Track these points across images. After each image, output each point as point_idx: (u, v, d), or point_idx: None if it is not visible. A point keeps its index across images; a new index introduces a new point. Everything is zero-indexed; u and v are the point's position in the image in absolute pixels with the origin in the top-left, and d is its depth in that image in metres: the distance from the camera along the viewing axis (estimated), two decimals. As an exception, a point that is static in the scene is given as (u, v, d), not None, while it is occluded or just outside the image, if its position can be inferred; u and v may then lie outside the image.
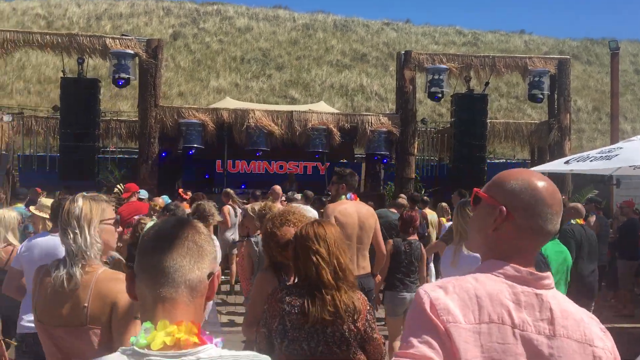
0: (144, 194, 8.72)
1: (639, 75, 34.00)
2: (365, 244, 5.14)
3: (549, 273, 1.48)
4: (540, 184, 1.49)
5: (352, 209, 5.05)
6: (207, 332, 1.26)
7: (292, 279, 2.69)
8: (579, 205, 6.71)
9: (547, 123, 14.44)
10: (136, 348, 1.19)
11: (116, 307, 2.13)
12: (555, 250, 4.62)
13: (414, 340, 1.35)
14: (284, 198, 11.06)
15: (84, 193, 2.44)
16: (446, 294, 1.41)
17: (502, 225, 1.46)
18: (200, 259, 1.30)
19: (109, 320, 2.14)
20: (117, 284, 2.15)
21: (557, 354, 1.38)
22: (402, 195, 11.25)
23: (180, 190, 10.82)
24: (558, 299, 1.46)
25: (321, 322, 2.40)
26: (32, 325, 3.80)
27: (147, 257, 1.29)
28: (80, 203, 2.30)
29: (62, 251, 3.85)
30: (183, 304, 1.25)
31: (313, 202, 10.07)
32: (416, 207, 9.04)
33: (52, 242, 4.01)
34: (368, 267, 5.23)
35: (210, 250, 1.33)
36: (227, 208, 9.73)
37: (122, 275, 2.21)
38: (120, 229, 3.18)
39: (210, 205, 5.03)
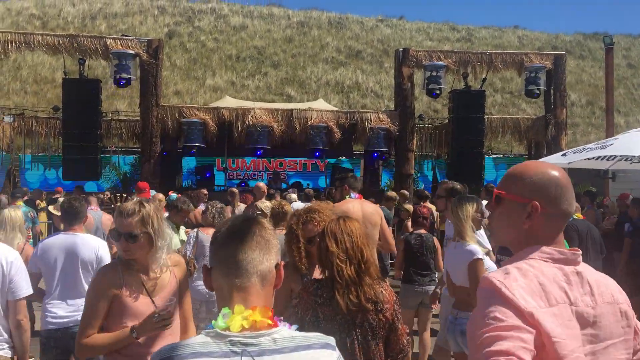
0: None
1: (631, 69, 34.26)
2: (373, 242, 5.30)
3: (577, 248, 1.65)
4: (556, 172, 1.65)
5: (356, 208, 5.21)
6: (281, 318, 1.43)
7: (319, 272, 2.77)
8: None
9: (544, 118, 14.64)
10: (218, 330, 1.35)
11: None
12: None
13: (504, 334, 1.37)
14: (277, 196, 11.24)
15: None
16: (516, 281, 1.49)
17: (533, 218, 1.60)
18: (268, 251, 1.46)
19: None
20: None
21: (599, 321, 1.55)
22: (392, 191, 11.45)
23: (171, 191, 10.98)
24: (589, 271, 1.62)
25: (348, 313, 2.50)
26: (58, 321, 3.96)
27: (222, 251, 1.46)
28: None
29: (82, 250, 4.01)
30: (255, 291, 1.42)
31: (315, 199, 10.26)
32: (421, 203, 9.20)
33: (71, 241, 4.11)
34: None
35: (275, 243, 1.50)
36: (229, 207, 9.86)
37: None
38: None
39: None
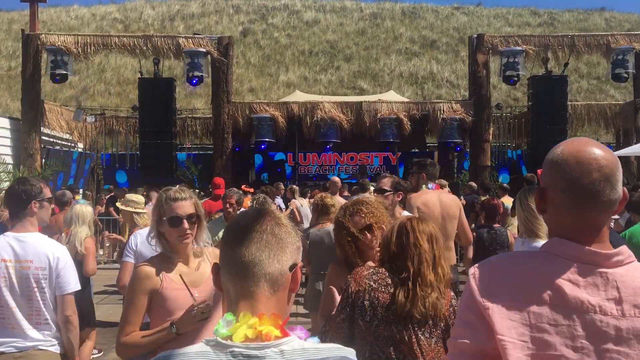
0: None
1: None
2: (450, 235, 4.96)
3: (620, 249, 1.34)
4: (575, 148, 1.38)
5: (434, 199, 4.91)
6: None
7: (377, 265, 2.63)
8: None
9: (633, 103, 13.63)
10: (219, 339, 1.20)
11: None
12: None
13: (458, 323, 1.39)
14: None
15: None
16: (492, 272, 1.37)
17: (545, 206, 1.40)
18: (281, 251, 1.28)
19: None
20: None
21: (627, 336, 1.27)
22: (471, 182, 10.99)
23: (244, 186, 11.07)
24: (632, 275, 1.32)
25: (409, 315, 2.37)
26: None
27: (227, 251, 1.29)
28: None
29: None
30: (264, 297, 1.24)
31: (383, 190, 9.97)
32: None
33: None
34: (453, 259, 5.10)
35: (291, 242, 1.31)
36: (294, 203, 9.84)
37: None
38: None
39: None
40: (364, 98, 16.10)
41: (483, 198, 8.73)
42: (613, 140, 15.60)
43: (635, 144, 12.34)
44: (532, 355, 1.27)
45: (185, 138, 15.63)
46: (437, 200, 4.88)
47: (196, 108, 20.01)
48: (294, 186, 10.53)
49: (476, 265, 1.42)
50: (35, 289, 2.93)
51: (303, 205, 9.68)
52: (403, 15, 35.49)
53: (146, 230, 3.49)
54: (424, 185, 5.04)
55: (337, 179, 9.00)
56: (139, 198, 4.97)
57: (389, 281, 2.42)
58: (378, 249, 3.03)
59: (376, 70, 29.94)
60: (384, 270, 2.48)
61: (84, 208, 5.51)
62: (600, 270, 1.31)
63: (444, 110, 13.23)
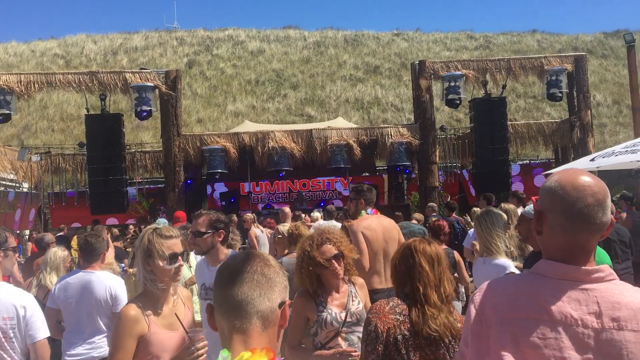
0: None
1: (657, 65, 33.56)
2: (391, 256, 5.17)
3: (602, 266, 1.49)
4: (570, 177, 1.52)
5: (375, 224, 5.09)
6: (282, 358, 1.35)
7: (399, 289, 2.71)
8: None
9: (569, 121, 14.35)
10: None
11: None
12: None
13: (462, 343, 1.57)
14: (304, 216, 11.17)
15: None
16: (488, 295, 1.52)
17: (541, 228, 1.54)
18: (270, 289, 1.38)
19: None
20: None
21: (607, 346, 1.40)
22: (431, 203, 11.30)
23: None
24: (611, 292, 1.46)
25: (428, 334, 2.47)
26: (75, 359, 3.98)
27: (221, 291, 1.39)
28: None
29: (97, 288, 4.00)
30: (256, 333, 1.34)
31: (337, 216, 10.17)
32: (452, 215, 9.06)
33: (87, 279, 4.12)
34: None
35: (279, 281, 1.41)
36: (254, 232, 9.88)
37: None
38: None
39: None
40: (313, 125, 16.34)
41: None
42: (552, 156, 16.33)
43: (574, 160, 12.98)
44: None
45: (134, 172, 15.42)
46: (379, 224, 5.06)
47: (144, 142, 19.80)
48: (248, 214, 10.56)
49: (477, 290, 1.58)
50: (4, 340, 2.90)
51: (263, 232, 9.73)
52: (346, 42, 36.28)
53: None
54: (362, 211, 5.21)
55: (287, 209, 9.14)
56: None
57: (407, 310, 2.52)
58: (342, 277, 3.15)
59: (322, 96, 30.41)
60: (399, 300, 2.57)
61: (57, 253, 5.37)
62: (582, 286, 1.45)
63: (391, 135, 13.58)
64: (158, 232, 2.60)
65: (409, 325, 2.46)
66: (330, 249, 3.07)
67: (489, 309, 1.49)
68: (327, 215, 10.19)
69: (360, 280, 3.35)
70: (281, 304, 1.40)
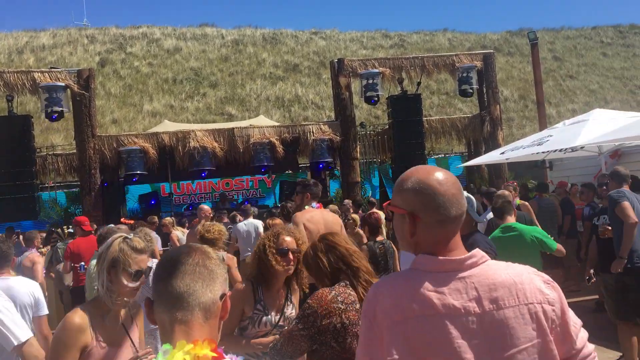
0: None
1: (557, 62, 35.79)
2: None
3: (473, 252, 1.54)
4: (429, 176, 1.56)
5: (318, 217, 5.21)
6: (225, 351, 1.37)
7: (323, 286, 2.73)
8: (505, 192, 6.84)
9: (479, 116, 15.09)
10: None
11: None
12: (529, 229, 4.80)
13: (360, 342, 1.57)
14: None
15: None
16: (377, 295, 1.53)
17: (415, 228, 1.55)
18: (212, 282, 1.40)
19: None
20: None
21: (490, 328, 1.45)
22: (347, 200, 11.51)
23: (123, 219, 10.72)
24: (487, 274, 1.50)
25: None
26: None
27: (162, 284, 1.39)
28: None
29: (19, 293, 3.84)
30: (198, 324, 1.36)
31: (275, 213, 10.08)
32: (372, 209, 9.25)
33: (5, 285, 3.92)
34: None
35: (220, 273, 1.43)
36: (175, 234, 9.72)
37: None
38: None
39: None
40: (235, 124, 16.22)
41: (353, 215, 9.10)
42: (465, 149, 17.08)
43: (485, 152, 13.65)
44: None
45: (46, 176, 14.69)
46: (321, 217, 5.20)
47: (56, 144, 18.88)
48: (167, 218, 10.37)
49: (364, 299, 1.58)
50: None
51: (184, 234, 9.57)
52: (264, 41, 36.16)
53: None
54: (307, 205, 5.34)
55: (205, 206, 9.02)
56: None
57: (353, 298, 2.53)
58: (290, 273, 3.18)
59: (243, 95, 30.17)
60: (343, 289, 2.58)
61: None
62: (460, 275, 1.49)
63: (313, 132, 13.75)
64: (130, 245, 2.45)
65: (350, 314, 2.49)
66: (292, 242, 3.13)
67: (379, 314, 1.49)
68: (244, 215, 10.03)
69: (295, 287, 3.35)
70: (222, 296, 1.42)
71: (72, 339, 2.30)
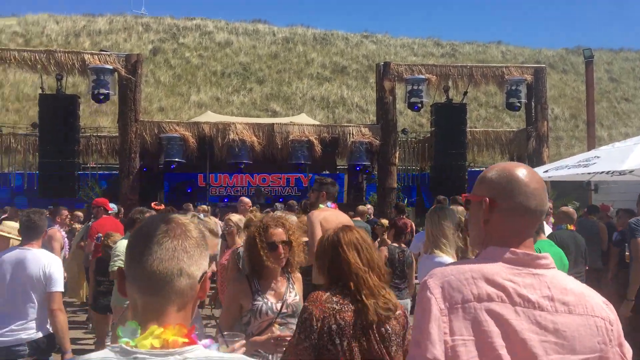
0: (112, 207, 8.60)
1: (613, 83, 34.65)
2: None
3: (546, 254, 1.55)
4: (514, 167, 1.60)
5: (333, 217, 5.11)
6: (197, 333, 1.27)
7: (326, 281, 2.61)
8: (570, 209, 6.64)
9: (525, 131, 14.65)
10: (124, 345, 1.19)
11: None
12: (552, 251, 4.62)
13: (416, 333, 1.49)
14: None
15: None
16: (444, 282, 1.50)
17: (491, 215, 1.56)
18: (190, 261, 1.28)
19: None
20: None
21: (562, 329, 1.45)
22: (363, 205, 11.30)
23: (154, 203, 10.81)
24: (558, 278, 1.53)
25: (372, 319, 2.43)
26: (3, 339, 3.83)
27: (135, 262, 1.27)
28: None
29: (30, 265, 3.86)
30: (173, 311, 1.25)
31: (298, 211, 10.10)
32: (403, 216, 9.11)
33: (22, 256, 3.99)
34: None
35: (199, 252, 1.30)
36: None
37: None
38: None
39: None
40: (276, 120, 16.24)
41: (382, 220, 8.97)
42: (508, 164, 16.61)
43: (527, 168, 13.22)
44: (485, 349, 1.41)
45: (89, 157, 15.01)
46: (336, 218, 5.11)
47: (102, 126, 19.31)
48: (202, 206, 10.40)
49: (428, 277, 1.55)
50: None
51: (217, 224, 9.58)
52: (315, 40, 36.24)
53: None
54: (322, 204, 5.26)
55: (246, 199, 9.01)
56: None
57: (349, 299, 2.46)
58: (283, 264, 3.11)
59: (288, 93, 30.28)
60: (339, 289, 2.50)
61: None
62: (533, 272, 1.50)
63: (353, 134, 13.61)
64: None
65: (345, 315, 2.42)
66: (281, 233, 3.07)
67: (447, 293, 1.48)
68: (288, 210, 10.09)
69: (297, 275, 3.31)
70: (201, 277, 1.30)
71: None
